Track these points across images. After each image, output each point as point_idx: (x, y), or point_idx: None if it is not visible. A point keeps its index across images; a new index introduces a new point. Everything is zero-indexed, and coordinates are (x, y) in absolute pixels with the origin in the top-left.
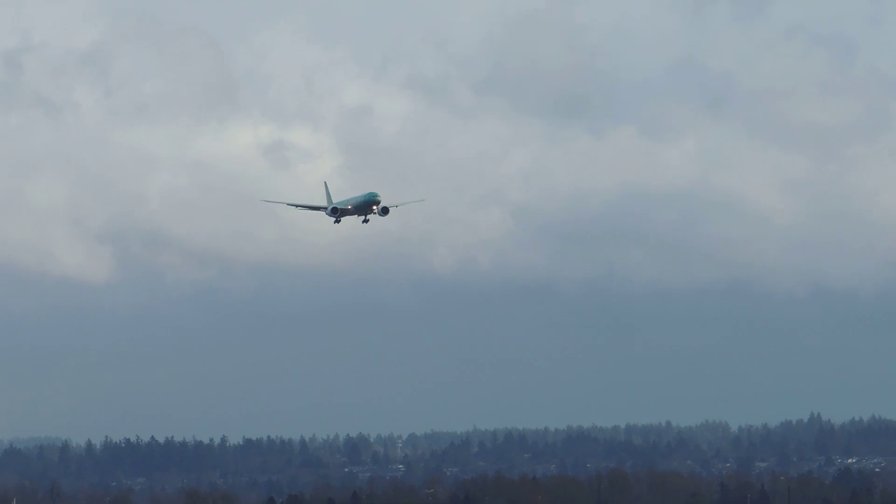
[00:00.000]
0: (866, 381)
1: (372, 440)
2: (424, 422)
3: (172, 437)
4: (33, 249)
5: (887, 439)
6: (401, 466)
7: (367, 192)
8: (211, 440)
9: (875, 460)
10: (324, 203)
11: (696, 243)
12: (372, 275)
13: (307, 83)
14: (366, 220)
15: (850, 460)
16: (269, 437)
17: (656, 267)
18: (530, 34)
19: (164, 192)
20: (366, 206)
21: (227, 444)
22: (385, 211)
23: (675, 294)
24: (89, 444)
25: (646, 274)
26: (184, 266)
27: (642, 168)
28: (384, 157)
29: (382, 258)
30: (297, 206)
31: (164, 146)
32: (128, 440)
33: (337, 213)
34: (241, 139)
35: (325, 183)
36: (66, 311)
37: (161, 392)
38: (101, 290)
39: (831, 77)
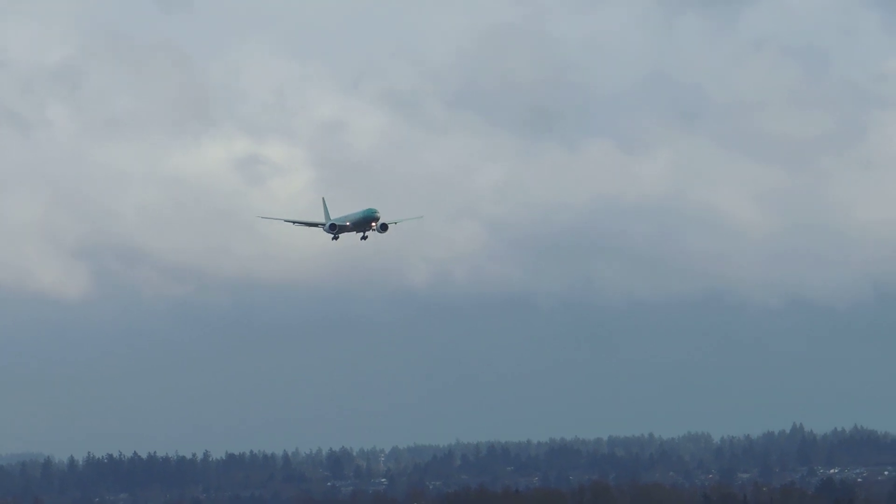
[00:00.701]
0: (848, 391)
1: (354, 454)
2: (407, 435)
3: (155, 452)
4: (9, 266)
5: (869, 449)
6: (384, 480)
7: (366, 208)
8: (193, 455)
9: (857, 470)
10: (321, 219)
11: (671, 256)
12: (349, 289)
13: (280, 98)
14: (364, 237)
15: (832, 471)
16: (251, 451)
17: (633, 280)
18: (502, 48)
19: (139, 208)
20: (364, 223)
21: (210, 459)
22: (384, 227)
23: (653, 307)
24: (72, 460)
25: (622, 287)
26: (160, 281)
27: (616, 181)
28: (358, 171)
29: (358, 272)
30: (294, 222)
31: (138, 162)
32: (110, 456)
33: (335, 229)
34: (214, 154)
35: (324, 199)
36: (44, 327)
37: (143, 407)
38: (78, 306)
39: (803, 89)
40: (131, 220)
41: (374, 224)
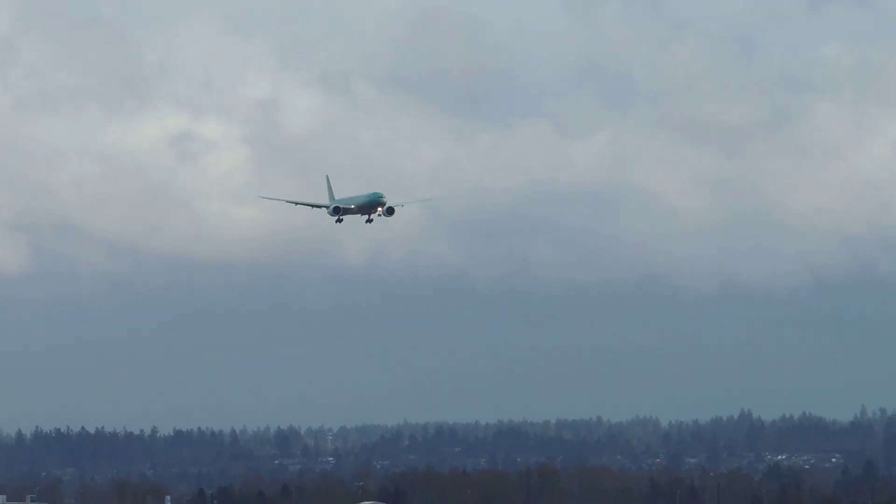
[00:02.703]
0: (796, 378)
1: (302, 433)
2: (355, 415)
3: (103, 427)
4: None
5: (817, 436)
6: (331, 459)
7: (371, 192)
8: (141, 431)
9: (805, 457)
10: (325, 200)
11: (607, 240)
12: (286, 268)
13: (214, 76)
14: (369, 220)
15: (779, 457)
16: (199, 428)
17: (569, 263)
18: (432, 31)
19: (74, 184)
20: (369, 207)
21: (158, 436)
22: (390, 211)
23: (591, 290)
24: (20, 434)
25: (559, 270)
26: (98, 258)
27: (549, 165)
28: (291, 150)
29: (295, 252)
30: (296, 203)
31: (73, 138)
32: (58, 430)
33: (339, 212)
34: (148, 131)
35: (327, 177)
36: None
37: (91, 383)
38: (16, 281)
39: (731, 73)
40: (67, 196)
41: (379, 208)
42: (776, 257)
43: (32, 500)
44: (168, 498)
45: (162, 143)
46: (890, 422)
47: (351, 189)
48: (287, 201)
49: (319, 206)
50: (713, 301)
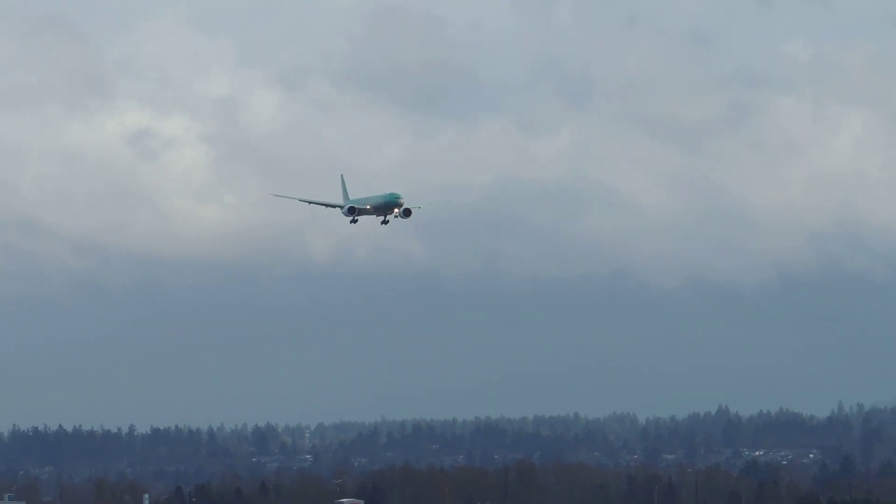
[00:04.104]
0: (774, 374)
1: (280, 430)
2: (332, 412)
3: (80, 425)
4: None
5: (794, 432)
6: (309, 457)
7: (388, 192)
8: (119, 429)
9: (782, 453)
10: (339, 200)
11: (574, 237)
12: (256, 266)
13: (175, 74)
14: (385, 222)
15: (757, 453)
16: (176, 426)
17: (537, 260)
18: (390, 28)
19: (37, 182)
20: (386, 208)
21: (135, 434)
22: (407, 213)
23: (564, 286)
24: None
25: (528, 267)
26: (63, 255)
27: (513, 161)
28: (251, 148)
29: (261, 250)
30: (310, 202)
31: (35, 136)
32: (35, 429)
33: (354, 212)
34: (109, 128)
35: (342, 177)
36: None
37: (69, 381)
38: None
39: (685, 70)
40: (30, 194)
41: (396, 209)
42: (741, 253)
43: (10, 499)
44: (146, 496)
45: (123, 140)
46: (867, 417)
47: (313, 188)
48: (300, 199)
49: (333, 206)
50: (683, 297)
